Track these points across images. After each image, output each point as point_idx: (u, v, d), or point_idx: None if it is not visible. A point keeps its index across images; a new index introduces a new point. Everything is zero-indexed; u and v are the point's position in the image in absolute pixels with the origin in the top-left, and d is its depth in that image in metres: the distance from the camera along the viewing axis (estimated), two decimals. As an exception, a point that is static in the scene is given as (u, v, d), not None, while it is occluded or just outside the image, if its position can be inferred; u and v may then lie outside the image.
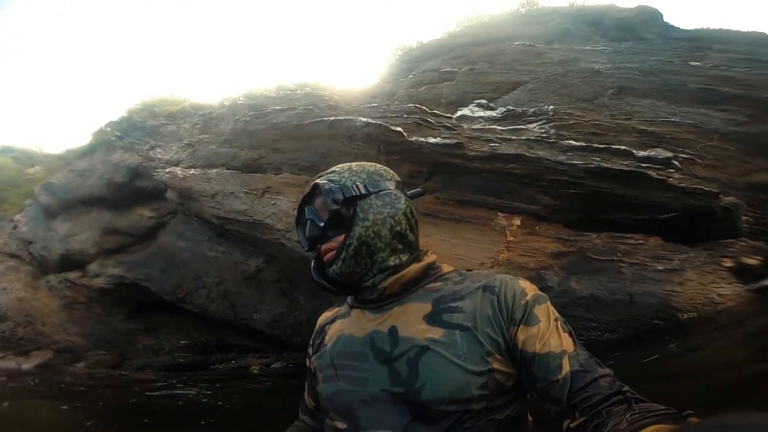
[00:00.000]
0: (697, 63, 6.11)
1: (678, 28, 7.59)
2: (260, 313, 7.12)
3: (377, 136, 5.32)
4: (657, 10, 7.77)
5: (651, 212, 4.56)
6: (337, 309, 0.96)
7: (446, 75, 8.09)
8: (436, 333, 0.73)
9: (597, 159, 4.59)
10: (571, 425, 0.64)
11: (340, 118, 5.68)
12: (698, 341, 3.32)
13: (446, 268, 0.88)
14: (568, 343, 0.69)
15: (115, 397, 5.84)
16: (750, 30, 6.62)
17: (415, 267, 0.83)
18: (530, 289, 0.75)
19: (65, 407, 5.32)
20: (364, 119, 5.37)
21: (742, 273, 4.40)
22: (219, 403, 5.27)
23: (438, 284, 0.82)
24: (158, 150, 8.84)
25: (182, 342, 7.40)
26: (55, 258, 7.82)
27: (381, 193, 0.84)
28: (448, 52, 9.19)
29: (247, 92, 8.01)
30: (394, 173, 0.91)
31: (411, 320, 0.77)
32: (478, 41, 8.94)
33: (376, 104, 6.04)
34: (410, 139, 5.08)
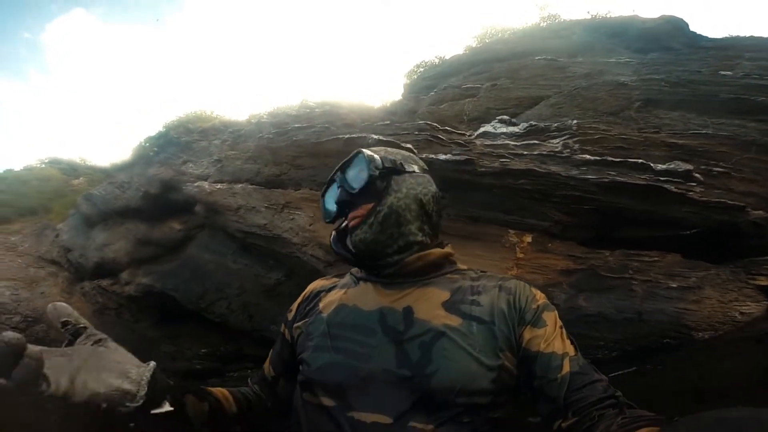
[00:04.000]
0: (728, 72, 5.79)
1: (706, 37, 7.24)
2: (276, 325, 7.22)
3: (388, 153, 5.37)
4: (682, 19, 7.48)
5: (671, 229, 4.31)
6: (335, 279, 0.95)
7: (468, 91, 8.07)
8: (454, 321, 0.73)
9: (612, 173, 4.42)
10: (563, 425, 0.65)
11: (354, 135, 5.80)
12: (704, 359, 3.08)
13: (462, 265, 0.90)
14: (570, 348, 0.71)
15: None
16: (782, 36, 6.24)
17: (439, 251, 0.84)
18: (540, 296, 0.79)
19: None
20: (376, 137, 5.45)
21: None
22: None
23: (456, 276, 0.83)
24: (190, 165, 9.29)
25: (202, 350, 7.60)
26: (90, 266, 8.30)
27: (415, 173, 0.88)
28: (469, 68, 9.19)
29: (271, 110, 8.34)
30: (425, 165, 0.95)
31: (429, 304, 0.76)
32: (499, 57, 8.90)
33: (389, 122, 6.12)
34: (420, 156, 5.09)
